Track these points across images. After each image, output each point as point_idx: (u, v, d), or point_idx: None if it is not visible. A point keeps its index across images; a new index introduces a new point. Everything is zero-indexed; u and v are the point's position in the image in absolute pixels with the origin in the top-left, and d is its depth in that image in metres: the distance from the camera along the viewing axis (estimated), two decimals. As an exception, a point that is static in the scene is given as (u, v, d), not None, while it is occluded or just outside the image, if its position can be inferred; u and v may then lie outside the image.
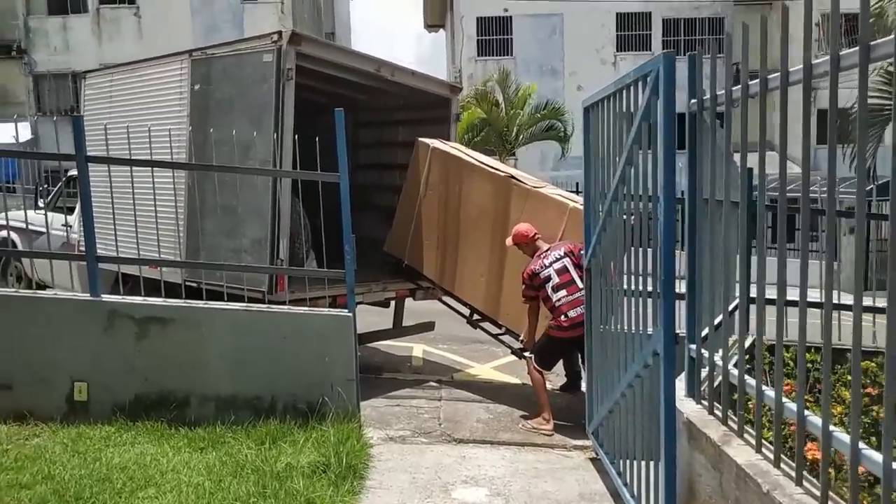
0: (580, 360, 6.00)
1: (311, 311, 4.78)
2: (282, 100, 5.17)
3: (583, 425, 5.09)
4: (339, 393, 4.64)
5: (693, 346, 3.17)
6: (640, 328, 3.51)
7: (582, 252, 5.23)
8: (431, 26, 27.60)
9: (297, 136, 4.81)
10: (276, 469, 3.96)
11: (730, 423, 2.90)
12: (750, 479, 2.51)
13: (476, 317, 6.27)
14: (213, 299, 5.13)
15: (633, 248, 3.58)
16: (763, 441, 2.62)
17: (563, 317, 5.14)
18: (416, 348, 8.13)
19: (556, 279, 5.19)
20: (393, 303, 6.94)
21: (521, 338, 5.70)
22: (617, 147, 3.82)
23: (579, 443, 4.97)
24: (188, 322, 4.72)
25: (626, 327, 3.74)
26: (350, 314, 4.68)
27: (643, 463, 3.54)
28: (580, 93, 20.42)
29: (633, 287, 3.62)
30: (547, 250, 5.33)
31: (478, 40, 20.56)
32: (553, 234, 5.45)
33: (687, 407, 3.20)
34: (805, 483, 2.29)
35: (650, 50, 21.10)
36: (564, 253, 5.25)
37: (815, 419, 2.22)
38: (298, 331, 4.68)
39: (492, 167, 6.01)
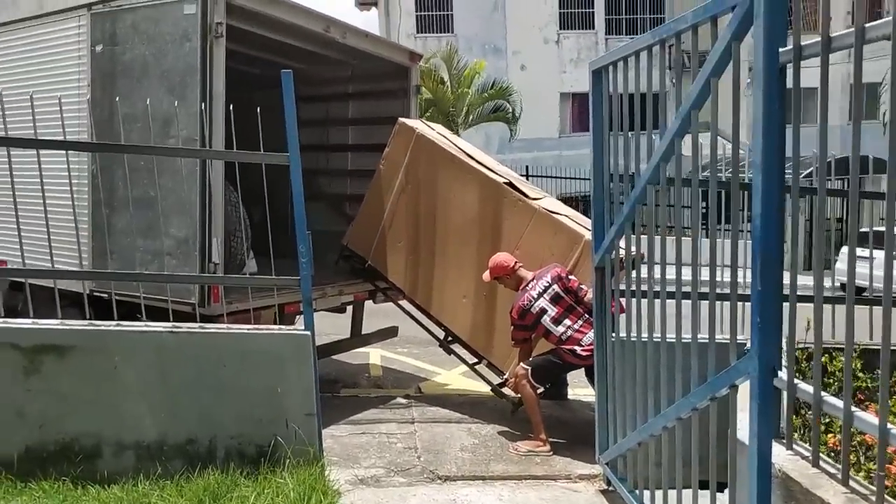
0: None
1: (257, 331, 3.78)
2: (210, 62, 4.11)
3: (580, 441, 4.50)
4: (295, 431, 3.69)
5: (783, 374, 2.41)
6: (698, 345, 2.74)
7: (571, 276, 4.54)
8: (364, 3, 26.21)
9: (230, 108, 3.78)
10: (221, 544, 3.00)
11: (853, 482, 2.16)
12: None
13: (450, 338, 5.36)
14: (128, 313, 4.07)
15: (685, 240, 2.80)
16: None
17: (577, 346, 4.44)
18: (373, 354, 7.21)
19: (552, 311, 4.47)
20: (350, 307, 5.97)
21: (505, 376, 4.90)
22: (653, 116, 3.02)
23: (585, 471, 4.22)
24: (95, 350, 3.64)
25: (671, 340, 2.97)
26: (308, 333, 3.71)
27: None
28: (524, 73, 19.82)
29: (685, 291, 2.84)
30: (532, 280, 4.59)
31: (416, 16, 19.49)
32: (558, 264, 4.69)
33: (775, 454, 2.45)
34: None
35: (593, 28, 20.61)
36: (552, 280, 4.53)
37: None
38: (243, 355, 3.68)
39: (488, 167, 5.10)
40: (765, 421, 2.25)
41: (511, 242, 4.85)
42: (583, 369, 4.67)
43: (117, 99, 3.91)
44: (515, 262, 4.70)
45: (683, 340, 2.85)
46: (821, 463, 2.31)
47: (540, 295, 4.51)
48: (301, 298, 4.57)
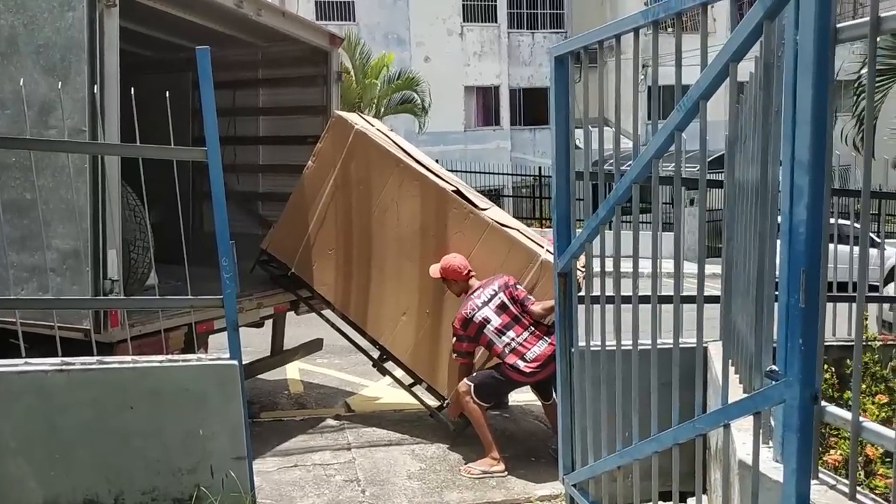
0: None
1: (172, 363, 3.14)
2: (100, 36, 3.39)
3: (531, 454, 4.38)
4: (223, 478, 3.10)
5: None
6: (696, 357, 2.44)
7: (519, 285, 4.25)
8: (256, -11, 24.86)
9: (132, 92, 3.10)
10: None
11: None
12: None
13: (384, 356, 4.83)
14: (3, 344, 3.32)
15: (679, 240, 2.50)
16: None
17: (520, 360, 4.10)
18: (290, 368, 6.55)
19: (496, 321, 4.14)
20: (270, 321, 5.33)
21: (446, 401, 4.52)
22: (634, 105, 2.70)
23: (545, 491, 3.92)
24: (-44, 397, 2.88)
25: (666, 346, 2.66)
26: (234, 362, 3.12)
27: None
28: (428, 64, 19.41)
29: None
30: (479, 289, 4.26)
31: (316, 2, 18.55)
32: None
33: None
34: None
35: (496, 22, 20.55)
36: (499, 288, 4.22)
37: None
38: (154, 394, 3.04)
39: (434, 172, 4.63)
40: (805, 458, 1.97)
41: (459, 255, 4.46)
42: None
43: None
44: (469, 270, 4.36)
45: (681, 346, 2.55)
46: (858, 496, 2.07)
47: (485, 304, 4.18)
48: (215, 315, 3.99)
